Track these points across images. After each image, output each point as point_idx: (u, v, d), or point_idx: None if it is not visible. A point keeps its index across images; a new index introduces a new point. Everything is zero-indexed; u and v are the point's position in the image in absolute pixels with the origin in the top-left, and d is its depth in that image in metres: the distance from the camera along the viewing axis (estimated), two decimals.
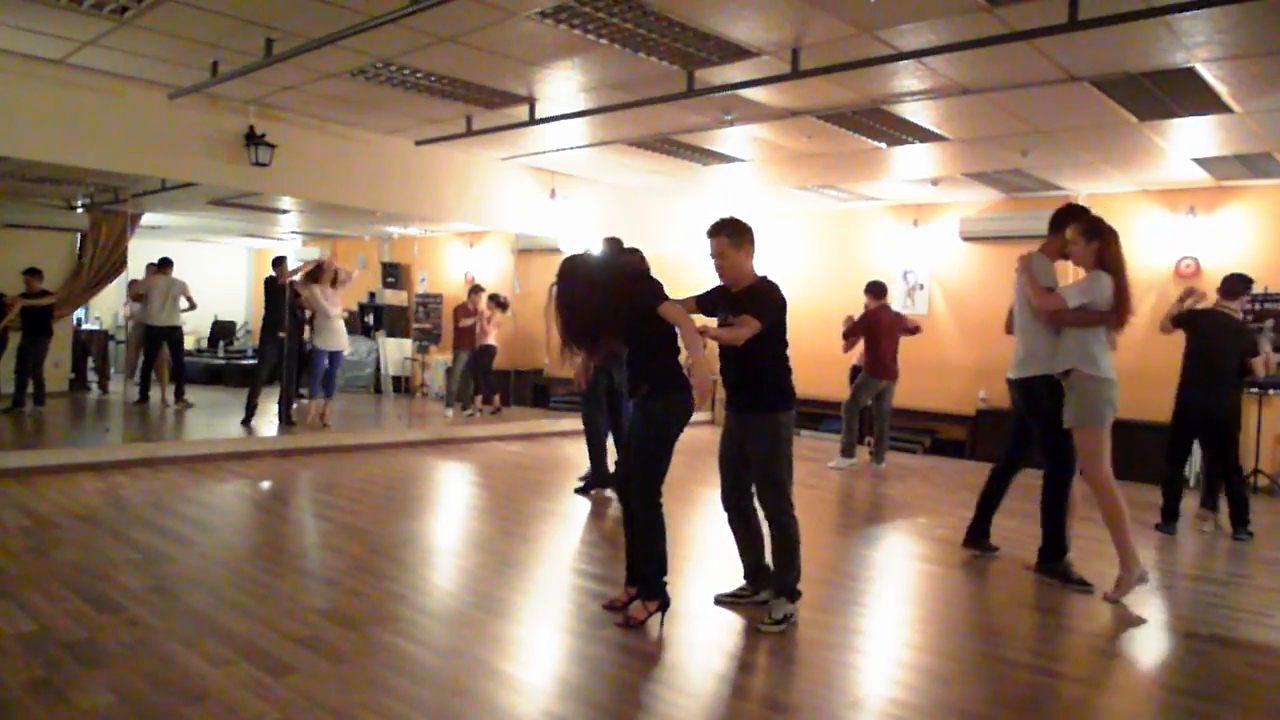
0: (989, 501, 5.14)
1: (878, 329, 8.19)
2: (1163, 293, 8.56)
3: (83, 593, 3.85)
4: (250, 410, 8.68)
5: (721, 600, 4.06)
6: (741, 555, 4.07)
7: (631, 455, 3.81)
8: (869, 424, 8.60)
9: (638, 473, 3.77)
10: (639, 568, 3.79)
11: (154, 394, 10.16)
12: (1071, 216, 4.69)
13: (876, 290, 8.39)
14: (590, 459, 6.56)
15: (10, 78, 6.18)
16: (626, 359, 3.97)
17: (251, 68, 5.91)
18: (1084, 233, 4.51)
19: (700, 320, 3.90)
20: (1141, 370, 7.63)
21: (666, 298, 3.72)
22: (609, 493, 6.50)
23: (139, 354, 10.17)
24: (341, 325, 8.89)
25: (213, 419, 9.41)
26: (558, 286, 3.75)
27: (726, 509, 4.05)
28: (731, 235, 3.85)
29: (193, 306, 10.06)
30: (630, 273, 3.99)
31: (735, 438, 3.93)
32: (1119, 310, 4.44)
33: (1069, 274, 5.01)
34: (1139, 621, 4.18)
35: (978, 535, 5.16)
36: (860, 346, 8.43)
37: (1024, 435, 4.96)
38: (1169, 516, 6.00)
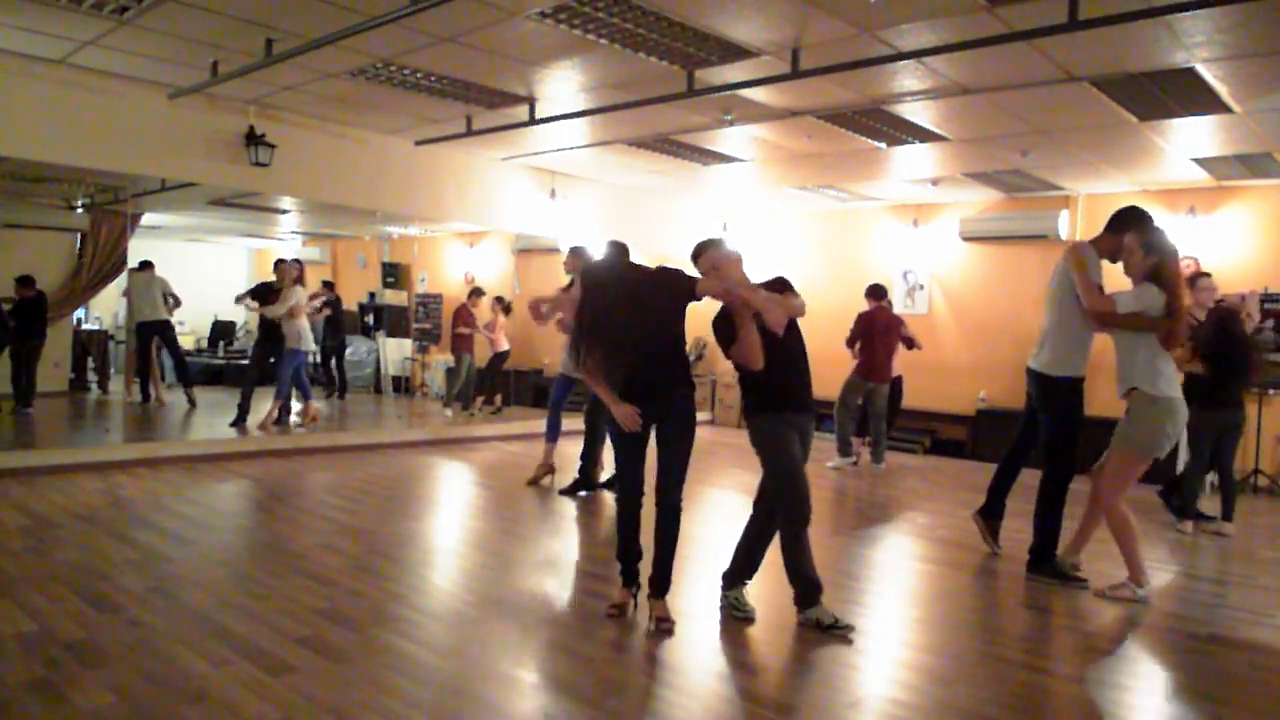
0: (1000, 484, 5.12)
1: (872, 330, 8.22)
2: None
3: (83, 593, 3.85)
4: (241, 412, 8.64)
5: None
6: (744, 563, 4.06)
7: (676, 458, 3.72)
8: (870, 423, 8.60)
9: (680, 475, 3.74)
10: (663, 567, 3.76)
11: (151, 391, 10.17)
12: (1133, 223, 4.45)
13: (874, 293, 8.43)
14: (583, 459, 6.62)
15: (10, 78, 6.18)
16: (659, 359, 3.74)
17: (251, 68, 5.91)
18: (1142, 245, 4.32)
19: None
20: None
21: (696, 277, 3.69)
22: (582, 493, 6.61)
23: (136, 355, 10.19)
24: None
25: (213, 419, 9.40)
26: (593, 295, 3.65)
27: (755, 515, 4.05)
28: (720, 246, 3.87)
29: (177, 303, 10.07)
30: (653, 269, 3.86)
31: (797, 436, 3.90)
32: (1172, 331, 4.28)
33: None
34: (1139, 621, 4.18)
35: (989, 515, 5.15)
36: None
37: (1035, 426, 4.87)
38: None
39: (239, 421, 8.57)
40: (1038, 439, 4.86)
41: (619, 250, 4.71)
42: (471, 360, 10.54)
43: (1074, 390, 4.59)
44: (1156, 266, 4.32)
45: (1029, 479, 4.93)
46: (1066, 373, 4.57)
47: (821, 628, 3.75)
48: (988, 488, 5.19)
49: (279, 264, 8.90)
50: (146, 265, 9.95)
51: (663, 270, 3.78)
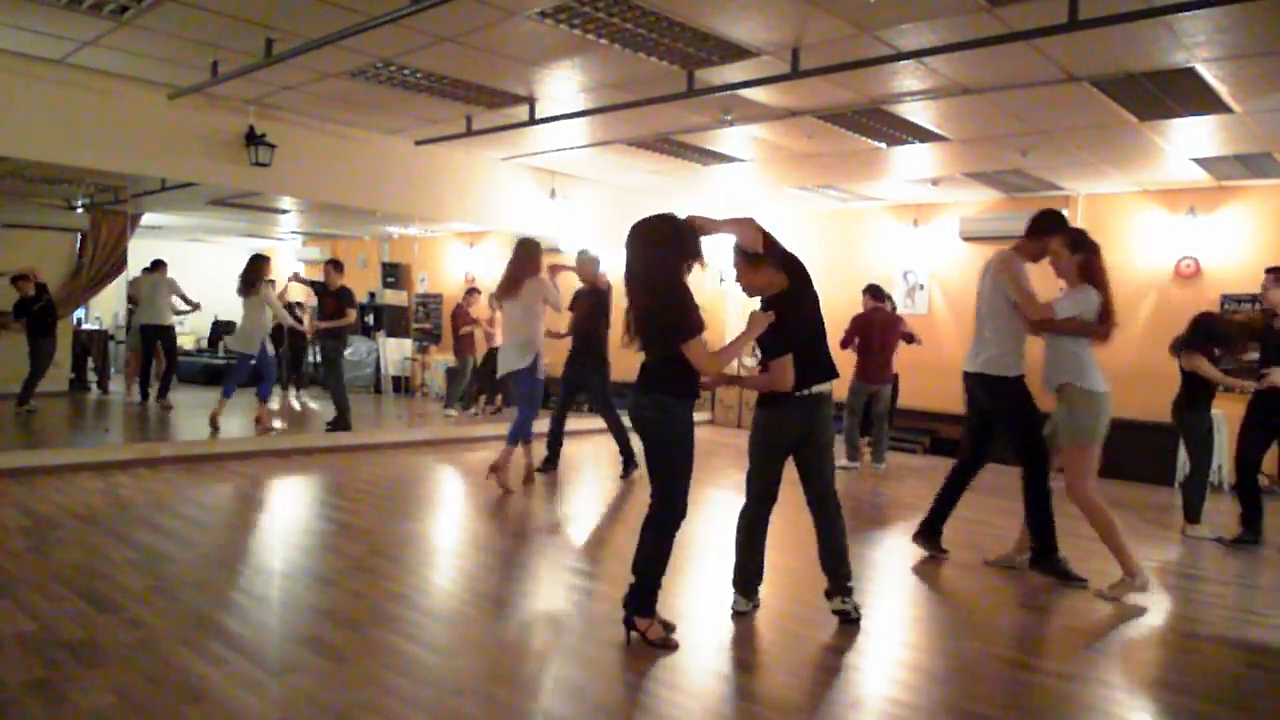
0: (946, 501, 5.10)
1: (869, 331, 8.20)
2: (1163, 292, 8.57)
3: (83, 593, 3.85)
4: (340, 414, 8.69)
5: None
6: (758, 565, 4.03)
7: (653, 474, 3.62)
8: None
9: (656, 489, 3.59)
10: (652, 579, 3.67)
11: (150, 392, 10.14)
12: (1054, 226, 4.71)
13: (872, 293, 8.42)
14: (623, 448, 7.16)
15: (10, 78, 6.18)
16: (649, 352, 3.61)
17: (251, 68, 5.91)
18: (1069, 245, 4.59)
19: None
20: (1143, 371, 7.64)
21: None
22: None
23: (138, 356, 10.19)
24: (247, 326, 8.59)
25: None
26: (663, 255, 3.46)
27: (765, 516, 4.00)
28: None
29: (193, 307, 10.08)
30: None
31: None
32: (1104, 324, 4.51)
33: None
34: (1139, 621, 4.18)
35: (929, 534, 5.12)
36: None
37: (984, 432, 4.97)
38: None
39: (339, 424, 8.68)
40: (988, 449, 4.97)
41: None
42: (474, 361, 10.57)
43: (1020, 385, 4.70)
44: (1085, 264, 4.53)
45: (993, 480, 4.92)
46: (1011, 372, 4.69)
47: (854, 614, 3.85)
48: (935, 504, 5.12)
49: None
50: (157, 265, 9.92)
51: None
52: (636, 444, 6.89)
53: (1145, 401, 7.21)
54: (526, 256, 6.49)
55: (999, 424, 4.85)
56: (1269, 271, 5.95)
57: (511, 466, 6.59)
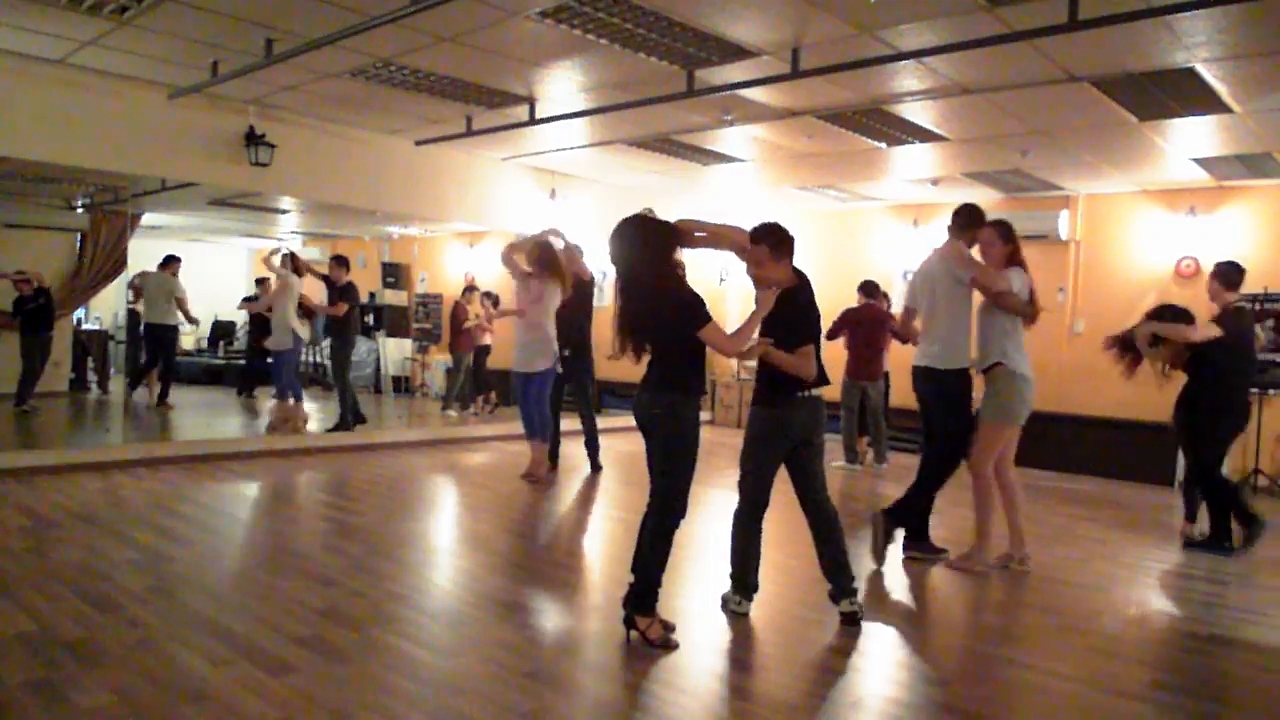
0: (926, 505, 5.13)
1: (854, 327, 8.20)
2: (1163, 292, 8.56)
3: (83, 593, 3.85)
4: (344, 413, 8.63)
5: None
6: (756, 566, 4.00)
7: (654, 473, 3.63)
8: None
9: (661, 488, 3.59)
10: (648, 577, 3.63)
11: (141, 393, 10.03)
12: (978, 220, 5.00)
13: (865, 289, 8.45)
14: (590, 443, 7.34)
15: (10, 78, 6.18)
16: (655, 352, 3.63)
17: (251, 68, 5.91)
18: (1000, 236, 4.91)
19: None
20: (1142, 371, 7.63)
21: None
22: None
23: (141, 351, 10.19)
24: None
25: (212, 419, 9.39)
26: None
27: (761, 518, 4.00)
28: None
29: (191, 322, 10.07)
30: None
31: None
32: (1031, 305, 4.85)
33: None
34: (1139, 622, 4.18)
35: (918, 538, 5.14)
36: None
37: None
38: None
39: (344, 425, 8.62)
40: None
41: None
42: (469, 361, 10.61)
43: (966, 378, 4.91)
44: (1013, 253, 4.88)
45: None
46: (958, 364, 4.89)
47: (861, 614, 3.87)
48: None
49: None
50: (169, 261, 9.89)
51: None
52: (634, 447, 6.92)
53: (1144, 401, 7.21)
54: (555, 258, 6.75)
55: (931, 411, 5.01)
56: (1217, 265, 5.97)
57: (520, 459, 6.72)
